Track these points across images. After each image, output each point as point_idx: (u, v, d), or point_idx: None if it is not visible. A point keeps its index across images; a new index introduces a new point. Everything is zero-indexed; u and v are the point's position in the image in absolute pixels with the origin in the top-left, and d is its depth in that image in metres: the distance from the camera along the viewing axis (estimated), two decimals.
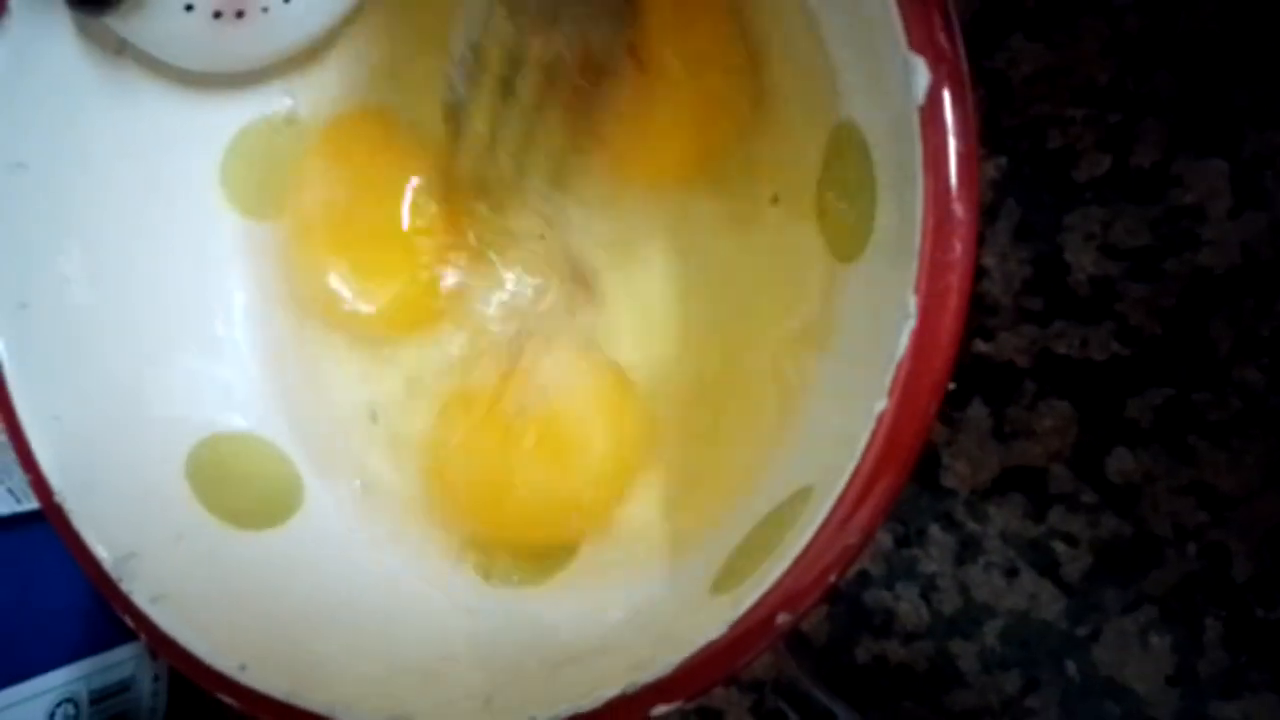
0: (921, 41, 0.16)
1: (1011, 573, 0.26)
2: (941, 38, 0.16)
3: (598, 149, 0.25)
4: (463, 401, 0.26)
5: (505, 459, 0.25)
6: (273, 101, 0.27)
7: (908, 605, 0.27)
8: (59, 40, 0.24)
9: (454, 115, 0.26)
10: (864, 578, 0.28)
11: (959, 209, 0.16)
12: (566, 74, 0.25)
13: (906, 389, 0.16)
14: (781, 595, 0.17)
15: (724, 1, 0.24)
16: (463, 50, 0.25)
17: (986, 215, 0.26)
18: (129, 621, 0.22)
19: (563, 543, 0.25)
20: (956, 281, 0.16)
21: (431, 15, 0.26)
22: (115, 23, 0.23)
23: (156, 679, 0.33)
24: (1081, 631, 0.26)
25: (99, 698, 0.31)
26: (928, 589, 0.27)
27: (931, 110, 0.16)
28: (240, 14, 0.24)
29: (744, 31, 0.24)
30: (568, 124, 0.25)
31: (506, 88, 0.25)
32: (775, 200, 0.24)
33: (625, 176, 0.26)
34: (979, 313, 0.26)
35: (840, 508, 0.17)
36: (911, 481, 0.27)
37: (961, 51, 0.16)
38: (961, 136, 0.16)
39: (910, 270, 0.16)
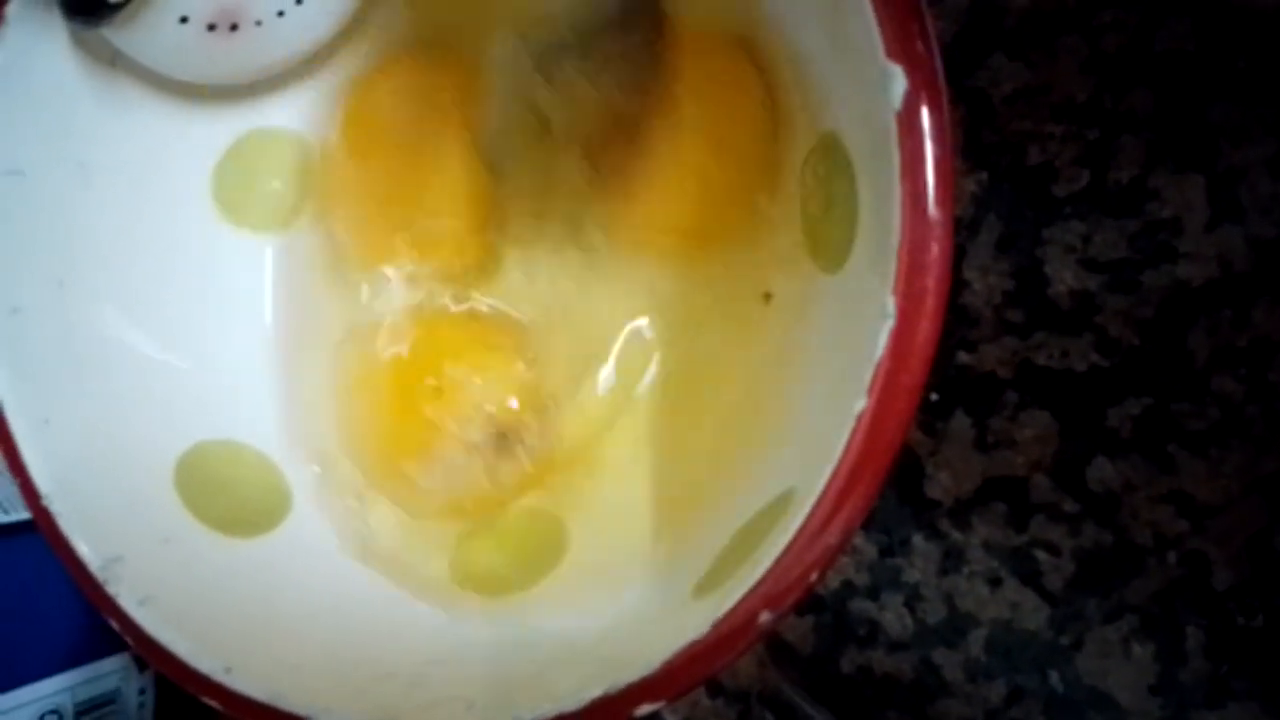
0: (898, 50, 0.17)
1: (995, 582, 0.26)
2: (917, 46, 0.17)
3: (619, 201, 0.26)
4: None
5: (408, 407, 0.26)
6: (266, 114, 0.27)
7: (892, 615, 0.27)
8: (54, 50, 0.24)
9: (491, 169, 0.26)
10: (849, 588, 0.28)
11: (936, 212, 0.16)
12: (596, 132, 0.25)
13: (885, 388, 0.17)
14: (763, 595, 0.17)
15: (737, 41, 0.24)
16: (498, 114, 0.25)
17: (968, 230, 0.26)
18: (114, 624, 0.22)
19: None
20: (934, 283, 0.16)
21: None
22: (110, 33, 0.24)
23: (143, 692, 0.33)
24: (1064, 641, 0.26)
25: (84, 709, 0.31)
26: (912, 599, 0.27)
27: (908, 116, 0.16)
28: (234, 27, 0.25)
29: (761, 71, 0.24)
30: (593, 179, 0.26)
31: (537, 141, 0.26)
32: (767, 298, 0.24)
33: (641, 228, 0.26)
34: (961, 325, 0.26)
35: (821, 507, 0.17)
36: (895, 492, 0.27)
37: (937, 60, 0.17)
38: (938, 141, 0.16)
39: (889, 272, 0.17)
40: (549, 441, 0.26)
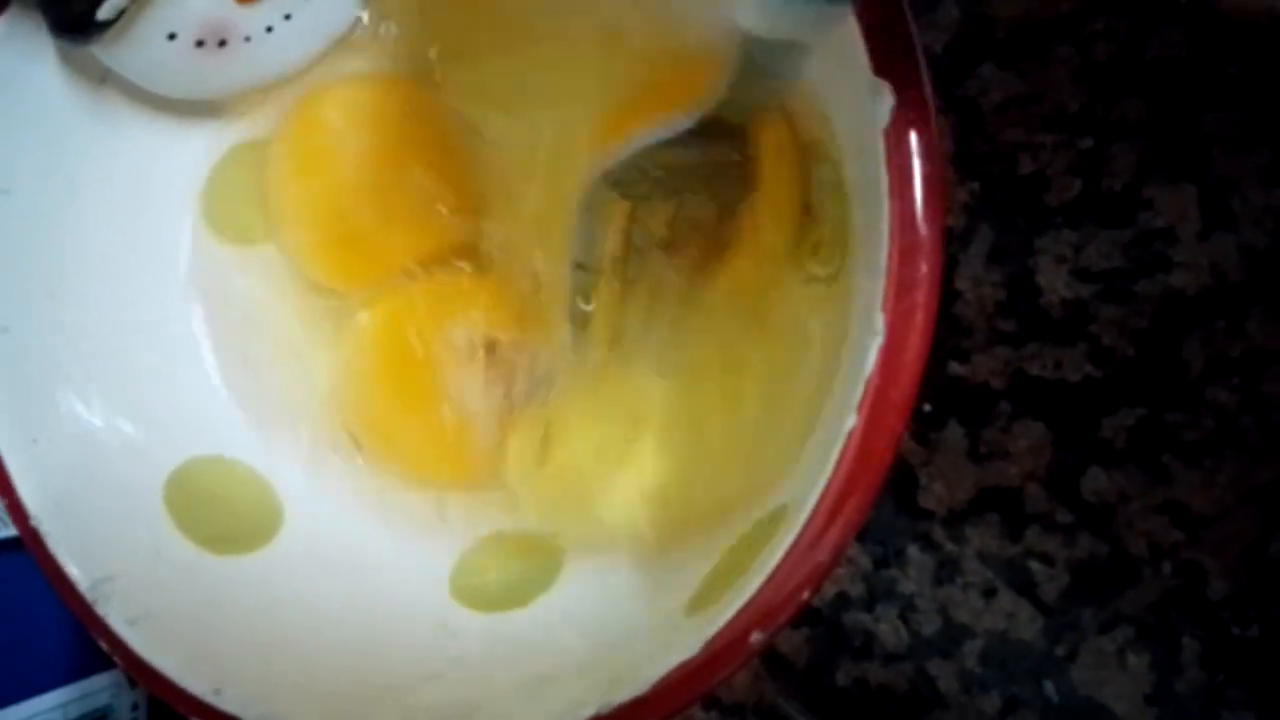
0: (886, 68, 0.17)
1: (989, 593, 0.26)
2: (905, 64, 0.17)
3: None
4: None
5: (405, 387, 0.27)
6: (254, 129, 0.27)
7: (887, 627, 0.27)
8: (44, 68, 0.24)
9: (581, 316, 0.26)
10: (843, 600, 0.28)
11: (924, 229, 0.16)
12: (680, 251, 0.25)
13: (875, 405, 0.16)
14: (755, 613, 0.17)
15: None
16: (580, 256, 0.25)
17: (960, 239, 0.26)
18: (104, 644, 0.21)
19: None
20: (923, 300, 0.16)
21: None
22: (99, 51, 0.24)
23: (135, 708, 0.33)
24: (1060, 651, 0.26)
25: None
26: (907, 610, 0.27)
27: (896, 134, 0.16)
28: (223, 43, 0.25)
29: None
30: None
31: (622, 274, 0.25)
32: (766, 321, 0.24)
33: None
34: (954, 335, 0.26)
35: (811, 525, 0.17)
36: (889, 502, 0.27)
37: (925, 77, 0.17)
38: (926, 158, 0.16)
39: (878, 289, 0.17)
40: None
